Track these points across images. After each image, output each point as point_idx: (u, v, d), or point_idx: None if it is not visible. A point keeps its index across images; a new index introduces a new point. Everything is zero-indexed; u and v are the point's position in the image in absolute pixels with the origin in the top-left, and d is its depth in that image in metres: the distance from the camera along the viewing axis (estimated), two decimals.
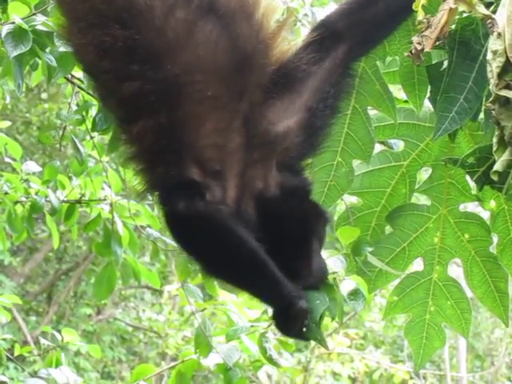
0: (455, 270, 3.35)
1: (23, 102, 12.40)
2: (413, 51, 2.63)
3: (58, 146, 4.29)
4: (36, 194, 4.76)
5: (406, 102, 3.03)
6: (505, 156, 2.50)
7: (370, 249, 2.94)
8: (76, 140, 4.21)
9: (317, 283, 2.68)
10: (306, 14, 3.84)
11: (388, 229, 3.15)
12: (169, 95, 2.55)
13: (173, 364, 4.34)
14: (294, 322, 2.54)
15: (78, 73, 4.03)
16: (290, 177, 2.74)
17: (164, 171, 2.55)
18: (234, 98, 2.63)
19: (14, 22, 3.31)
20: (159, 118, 2.54)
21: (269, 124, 2.68)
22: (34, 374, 4.20)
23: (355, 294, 2.76)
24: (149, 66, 2.54)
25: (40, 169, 4.86)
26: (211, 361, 4.09)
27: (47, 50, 3.39)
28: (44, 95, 12.27)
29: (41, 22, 3.38)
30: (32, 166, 4.82)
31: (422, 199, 3.17)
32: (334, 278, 2.72)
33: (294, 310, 2.50)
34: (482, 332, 14.77)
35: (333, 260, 2.79)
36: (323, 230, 2.77)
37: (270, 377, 11.63)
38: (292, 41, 2.85)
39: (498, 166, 2.51)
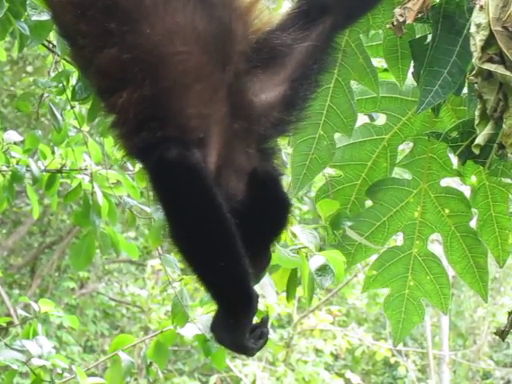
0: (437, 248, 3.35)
1: (8, 75, 12.32)
2: (395, 23, 2.62)
3: (36, 114, 4.24)
4: (17, 163, 4.73)
5: (385, 70, 3.01)
6: (487, 130, 2.49)
7: (349, 223, 2.94)
8: (54, 108, 4.17)
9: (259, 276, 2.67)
10: None
11: (368, 203, 3.14)
12: (151, 66, 2.51)
13: (152, 335, 4.33)
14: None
15: None
16: (266, 159, 2.70)
17: (147, 136, 2.51)
18: (217, 67, 2.60)
19: None
20: (143, 89, 2.50)
21: (253, 95, 2.66)
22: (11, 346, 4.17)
23: (323, 269, 2.75)
24: (127, 29, 2.49)
25: (21, 138, 4.83)
26: (190, 332, 4.08)
27: (22, 18, 3.35)
28: (29, 68, 12.18)
29: None
30: (13, 136, 4.78)
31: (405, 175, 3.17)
32: (306, 253, 2.71)
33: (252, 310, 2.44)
34: (465, 311, 14.86)
35: (305, 234, 2.78)
36: (286, 219, 2.73)
37: None
38: (273, 10, 2.82)
39: (479, 140, 2.50)
